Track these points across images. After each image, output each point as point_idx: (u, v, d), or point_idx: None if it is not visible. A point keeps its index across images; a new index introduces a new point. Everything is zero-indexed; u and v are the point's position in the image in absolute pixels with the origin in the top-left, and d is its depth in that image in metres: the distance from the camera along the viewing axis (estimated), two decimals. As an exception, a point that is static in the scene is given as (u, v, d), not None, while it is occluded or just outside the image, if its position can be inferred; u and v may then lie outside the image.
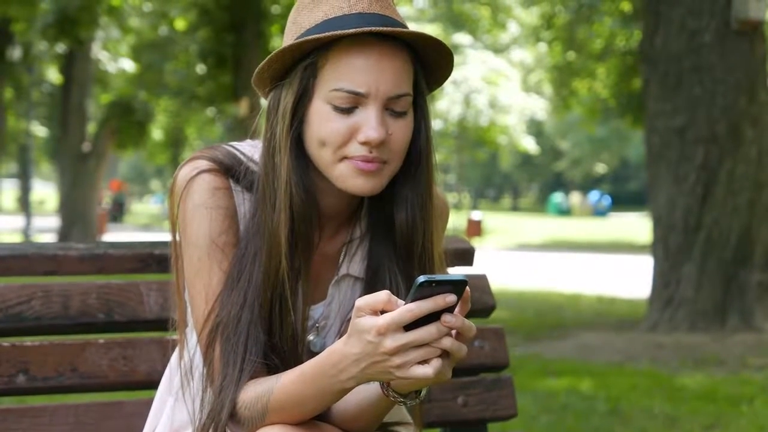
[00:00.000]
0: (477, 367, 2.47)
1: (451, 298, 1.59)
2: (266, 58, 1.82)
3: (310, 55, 1.81)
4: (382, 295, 1.61)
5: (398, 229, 1.89)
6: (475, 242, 28.78)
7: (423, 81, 1.88)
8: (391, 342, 1.58)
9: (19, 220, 36.13)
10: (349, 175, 1.81)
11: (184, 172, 1.89)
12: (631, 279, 17.60)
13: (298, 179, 1.84)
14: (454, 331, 1.62)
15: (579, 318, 11.92)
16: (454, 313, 1.61)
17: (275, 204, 1.83)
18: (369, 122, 1.79)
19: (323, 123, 1.81)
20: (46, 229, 32.30)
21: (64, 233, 25.57)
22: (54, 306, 2.17)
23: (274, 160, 1.84)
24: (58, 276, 2.24)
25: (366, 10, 1.81)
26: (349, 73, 1.78)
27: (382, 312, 1.61)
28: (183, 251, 1.89)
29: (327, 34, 1.77)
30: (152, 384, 2.16)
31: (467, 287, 1.61)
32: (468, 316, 2.49)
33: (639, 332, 10.34)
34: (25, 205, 31.80)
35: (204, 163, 1.88)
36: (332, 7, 1.82)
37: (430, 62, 1.88)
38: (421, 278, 1.56)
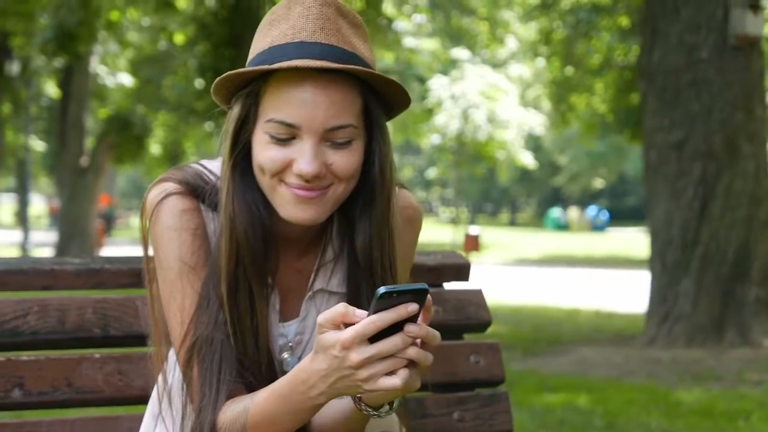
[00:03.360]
0: (472, 383, 2.47)
1: (413, 307, 1.59)
2: (213, 83, 1.83)
3: (252, 83, 1.82)
4: (339, 308, 1.61)
5: (358, 254, 1.90)
6: (473, 257, 28.77)
7: (378, 109, 1.86)
8: (356, 355, 1.58)
9: (16, 235, 36.10)
10: (288, 202, 1.81)
11: (153, 195, 1.89)
12: (629, 294, 17.60)
13: (240, 202, 1.83)
14: (419, 340, 1.62)
15: (576, 333, 11.91)
16: (418, 322, 1.61)
17: (220, 226, 1.84)
18: (303, 156, 1.78)
19: (262, 151, 1.81)
20: (43, 243, 32.28)
21: (62, 247, 25.56)
22: (50, 320, 2.16)
23: (222, 182, 1.86)
24: (55, 290, 2.24)
25: (308, 39, 1.79)
26: (284, 105, 1.78)
27: (345, 325, 1.61)
28: (157, 274, 1.90)
29: (254, 68, 1.78)
30: (147, 399, 2.15)
31: (428, 295, 1.61)
32: (464, 330, 2.51)
33: (636, 347, 10.34)
34: (23, 219, 31.78)
35: (171, 186, 1.88)
36: (280, 34, 1.81)
37: (383, 91, 1.86)
38: (382, 289, 1.57)
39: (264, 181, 1.83)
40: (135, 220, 69.80)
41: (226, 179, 1.84)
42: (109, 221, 48.05)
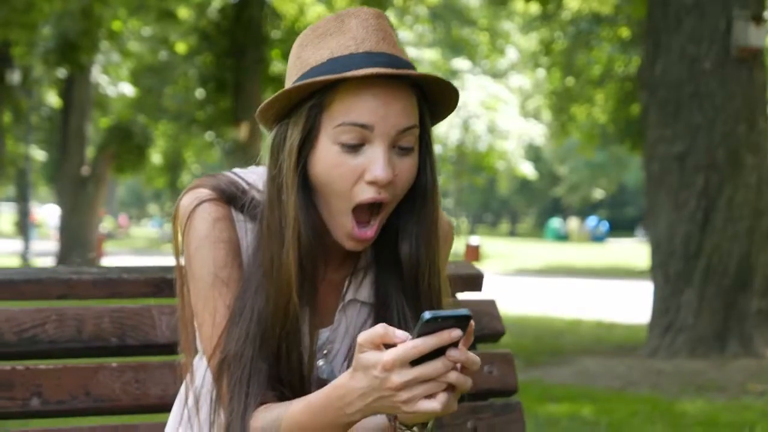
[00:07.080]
0: (486, 392, 2.48)
1: (456, 333, 1.59)
2: (271, 96, 1.80)
3: (317, 94, 1.79)
4: (379, 329, 1.61)
5: (403, 262, 1.89)
6: (474, 267, 28.75)
7: (428, 116, 1.87)
8: (397, 378, 1.59)
9: (17, 244, 36.09)
10: (348, 237, 1.83)
11: (186, 201, 1.88)
12: (630, 304, 17.60)
13: (306, 217, 1.82)
14: (459, 365, 1.63)
15: (578, 343, 11.91)
16: (459, 347, 1.62)
17: (283, 242, 1.81)
18: (377, 161, 1.77)
19: (331, 167, 1.80)
20: (44, 252, 32.26)
21: (63, 257, 25.55)
22: (68, 330, 2.17)
23: (281, 197, 1.82)
24: (72, 300, 2.25)
25: (373, 49, 1.79)
26: (355, 108, 1.77)
27: (385, 345, 1.61)
28: (189, 282, 1.89)
29: (336, 76, 1.75)
30: (164, 407, 2.16)
31: (471, 321, 1.62)
32: (477, 340, 2.52)
33: (639, 358, 10.35)
34: (23, 228, 31.77)
35: (205, 192, 1.87)
36: (339, 46, 1.80)
37: (434, 97, 1.87)
38: (427, 314, 1.57)
39: (332, 203, 1.83)
40: (135, 230, 69.83)
41: (292, 192, 1.82)
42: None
